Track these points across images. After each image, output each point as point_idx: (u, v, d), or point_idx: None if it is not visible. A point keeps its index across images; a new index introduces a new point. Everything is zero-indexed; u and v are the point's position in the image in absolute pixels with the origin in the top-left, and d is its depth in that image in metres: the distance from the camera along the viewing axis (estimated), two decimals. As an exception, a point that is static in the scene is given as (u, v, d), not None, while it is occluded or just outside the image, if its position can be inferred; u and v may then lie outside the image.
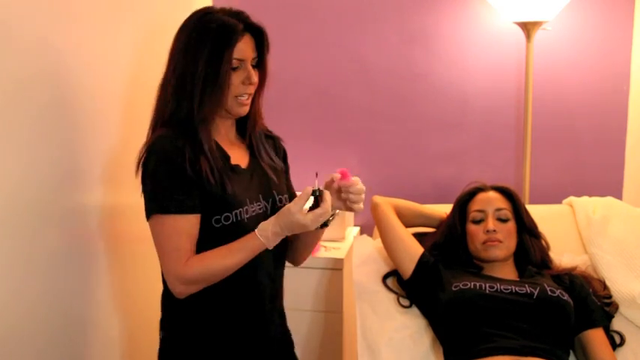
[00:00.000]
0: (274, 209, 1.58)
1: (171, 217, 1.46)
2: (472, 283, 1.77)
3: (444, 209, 2.07)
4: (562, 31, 2.44)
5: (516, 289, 1.76)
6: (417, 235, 2.00)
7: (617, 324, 1.89)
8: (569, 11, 2.39)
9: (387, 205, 2.00)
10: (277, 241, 1.49)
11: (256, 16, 2.54)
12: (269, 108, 2.61)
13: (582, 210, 2.17)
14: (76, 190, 1.74)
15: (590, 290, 1.87)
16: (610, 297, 1.90)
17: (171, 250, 1.47)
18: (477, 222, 1.90)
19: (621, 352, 1.83)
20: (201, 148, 1.49)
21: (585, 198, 2.24)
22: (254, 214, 1.56)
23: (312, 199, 1.48)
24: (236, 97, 1.53)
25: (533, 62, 2.34)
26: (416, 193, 2.34)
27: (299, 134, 2.65)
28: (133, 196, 1.97)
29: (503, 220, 1.89)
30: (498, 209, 1.90)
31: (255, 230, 1.48)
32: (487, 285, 1.77)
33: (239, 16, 1.53)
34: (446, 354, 1.78)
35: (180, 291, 1.49)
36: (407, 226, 2.01)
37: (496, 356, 1.51)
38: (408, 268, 1.90)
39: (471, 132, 2.58)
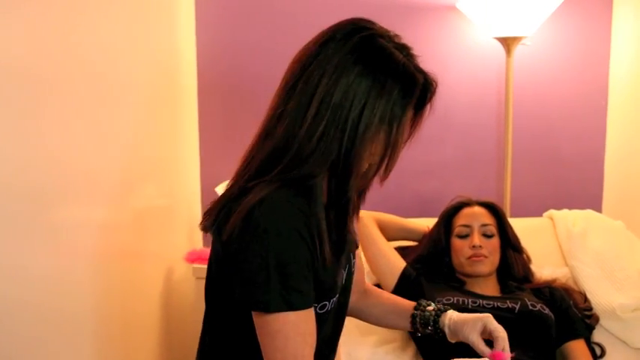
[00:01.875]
0: (348, 276, 1.36)
1: (294, 315, 1.15)
2: (455, 298, 1.78)
3: (427, 223, 2.08)
4: (541, 47, 2.48)
5: (498, 304, 1.77)
6: (400, 249, 2.01)
7: (597, 336, 1.91)
8: (548, 27, 2.43)
9: (369, 219, 2.01)
10: None
11: (238, 28, 2.53)
12: (247, 126, 2.63)
13: (562, 223, 2.19)
14: (66, 204, 1.71)
15: (571, 302, 1.88)
16: (591, 309, 1.92)
17: (290, 356, 1.15)
18: (463, 237, 1.91)
19: (602, 363, 1.85)
20: (324, 221, 1.20)
21: (565, 211, 2.26)
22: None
23: None
24: None
25: (513, 77, 2.37)
26: (398, 207, 2.35)
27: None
28: (123, 212, 1.97)
29: (489, 236, 1.90)
30: (484, 225, 1.91)
31: None
32: (470, 300, 1.78)
33: (411, 58, 1.22)
34: (428, 368, 1.79)
35: None
36: (389, 239, 2.01)
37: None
38: (390, 281, 1.90)
39: (453, 146, 2.59)
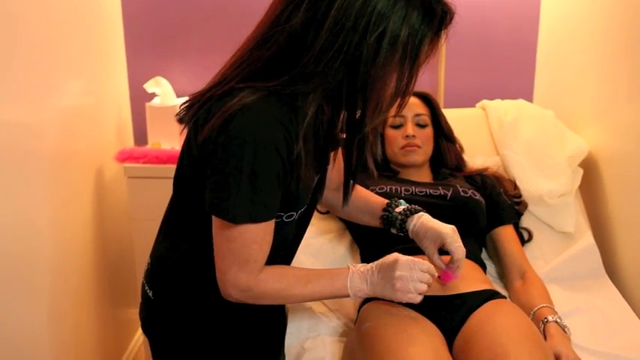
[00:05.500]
0: (320, 183, 1.37)
1: (255, 226, 1.19)
2: (388, 187, 1.79)
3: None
4: None
5: (430, 191, 1.79)
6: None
7: (526, 221, 1.97)
8: None
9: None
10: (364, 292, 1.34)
11: None
12: (173, 20, 2.51)
13: (495, 113, 2.21)
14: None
15: (501, 190, 1.92)
16: (520, 196, 1.97)
17: (245, 262, 1.21)
18: (396, 127, 1.90)
19: (529, 247, 1.92)
20: (309, 143, 1.20)
21: (497, 101, 2.28)
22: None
23: None
24: None
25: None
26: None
27: (204, 49, 2.54)
28: (47, 111, 1.87)
29: (422, 126, 1.90)
30: (417, 115, 1.90)
31: (349, 287, 1.31)
32: (402, 188, 1.79)
33: None
34: (362, 255, 1.81)
35: (237, 298, 1.27)
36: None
37: (412, 255, 1.54)
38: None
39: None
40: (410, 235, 1.51)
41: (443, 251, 1.48)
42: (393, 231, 1.54)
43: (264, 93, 1.15)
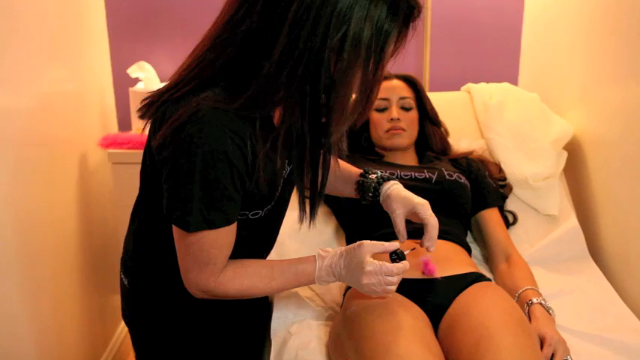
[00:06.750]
0: (286, 179, 1.32)
1: (213, 232, 1.17)
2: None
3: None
4: None
5: (416, 174, 1.79)
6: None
7: (510, 204, 1.97)
8: None
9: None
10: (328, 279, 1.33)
11: None
12: (153, 9, 2.49)
13: (479, 96, 2.21)
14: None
15: (486, 173, 1.92)
16: (505, 179, 1.97)
17: (204, 264, 1.21)
18: (381, 110, 1.89)
19: (514, 229, 1.92)
20: (266, 147, 1.16)
21: (483, 84, 2.27)
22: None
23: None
24: None
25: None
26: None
27: (188, 33, 2.51)
28: (29, 96, 1.85)
29: (407, 109, 1.89)
30: (402, 98, 1.90)
31: (316, 273, 1.31)
32: (387, 172, 1.79)
33: None
34: (348, 240, 1.81)
35: (201, 297, 1.27)
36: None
37: (397, 239, 1.55)
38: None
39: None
40: (381, 199, 1.49)
41: (418, 234, 1.46)
42: (368, 196, 1.51)
43: (220, 100, 1.11)
